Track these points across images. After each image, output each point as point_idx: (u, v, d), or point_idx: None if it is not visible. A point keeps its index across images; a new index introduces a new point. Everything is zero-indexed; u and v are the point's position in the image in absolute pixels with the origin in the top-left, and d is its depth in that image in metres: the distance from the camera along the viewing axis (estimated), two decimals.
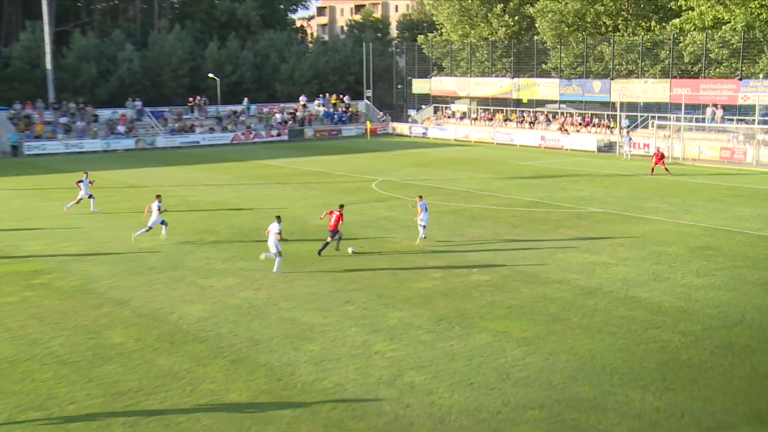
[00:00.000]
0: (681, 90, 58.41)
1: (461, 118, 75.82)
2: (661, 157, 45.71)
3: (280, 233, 23.01)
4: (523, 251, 26.01)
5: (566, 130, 64.15)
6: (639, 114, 63.05)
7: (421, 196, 27.49)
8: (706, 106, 57.67)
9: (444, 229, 29.66)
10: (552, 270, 23.35)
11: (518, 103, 73.46)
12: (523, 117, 70.29)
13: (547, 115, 68.79)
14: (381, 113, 79.41)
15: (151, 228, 27.19)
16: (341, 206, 25.83)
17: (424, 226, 26.82)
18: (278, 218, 23.58)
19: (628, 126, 61.08)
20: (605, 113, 64.91)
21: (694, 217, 32.22)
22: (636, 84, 62.59)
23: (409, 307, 19.80)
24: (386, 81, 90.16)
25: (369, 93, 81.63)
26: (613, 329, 18.13)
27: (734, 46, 57.37)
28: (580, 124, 65.22)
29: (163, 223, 27.65)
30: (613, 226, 30.53)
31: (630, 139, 55.48)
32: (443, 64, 79.33)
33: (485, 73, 75.66)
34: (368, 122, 74.24)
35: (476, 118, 74.20)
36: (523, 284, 21.91)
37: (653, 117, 59.78)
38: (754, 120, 53.52)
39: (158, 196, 27.68)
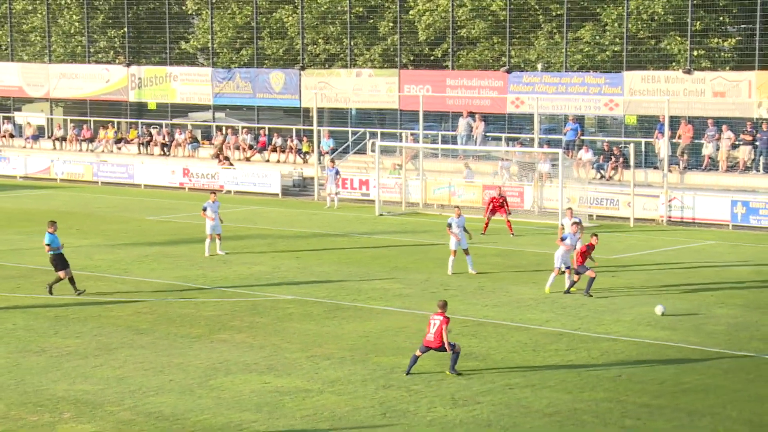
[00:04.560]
0: (417, 89, 61.73)
1: (36, 138, 74.26)
2: (501, 202, 47.53)
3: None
4: (156, 375, 25.89)
5: (227, 159, 65.19)
6: (350, 129, 65.58)
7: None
8: (457, 115, 61.40)
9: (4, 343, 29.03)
10: (209, 407, 23.31)
11: (141, 110, 73.43)
12: (151, 136, 70.36)
13: (192, 133, 69.47)
14: None
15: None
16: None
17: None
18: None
19: (334, 151, 63.26)
20: (294, 128, 66.86)
21: (452, 304, 34.00)
22: (343, 78, 65.25)
23: None
24: None
25: None
26: None
27: (497, 14, 61.58)
28: (251, 147, 66.60)
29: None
30: (312, 323, 31.19)
31: (337, 172, 57.37)
32: None
33: (78, 57, 74.88)
34: None
35: (65, 138, 73.01)
36: None
37: (374, 135, 62.59)
38: (532, 139, 57.68)
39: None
